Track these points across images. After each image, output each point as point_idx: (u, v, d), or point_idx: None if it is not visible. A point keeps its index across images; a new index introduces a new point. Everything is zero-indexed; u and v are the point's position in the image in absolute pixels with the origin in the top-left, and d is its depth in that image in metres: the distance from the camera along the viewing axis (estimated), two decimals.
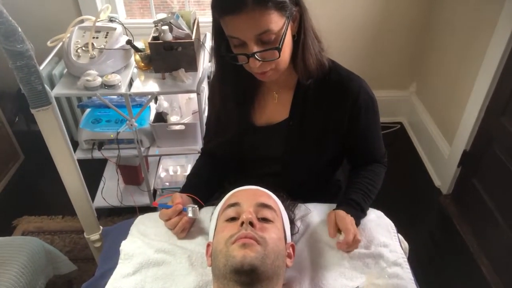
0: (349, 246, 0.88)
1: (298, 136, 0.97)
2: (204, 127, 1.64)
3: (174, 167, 2.05)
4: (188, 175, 1.11)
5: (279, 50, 0.81)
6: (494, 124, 1.68)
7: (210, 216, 0.92)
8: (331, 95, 0.94)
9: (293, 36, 0.87)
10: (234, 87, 0.95)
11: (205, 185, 1.06)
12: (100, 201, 1.87)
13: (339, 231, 0.91)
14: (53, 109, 1.05)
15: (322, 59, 0.92)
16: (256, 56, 0.81)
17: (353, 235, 0.86)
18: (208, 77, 1.99)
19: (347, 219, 0.89)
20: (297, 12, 0.84)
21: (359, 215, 0.95)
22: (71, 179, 1.19)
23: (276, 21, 0.79)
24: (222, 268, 0.72)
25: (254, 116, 1.01)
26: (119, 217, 1.93)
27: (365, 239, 0.92)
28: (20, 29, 0.84)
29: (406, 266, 0.88)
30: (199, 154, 1.19)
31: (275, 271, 0.73)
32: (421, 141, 2.37)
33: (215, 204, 0.93)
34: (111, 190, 1.91)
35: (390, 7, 2.17)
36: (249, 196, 0.84)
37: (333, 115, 0.95)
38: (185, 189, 1.03)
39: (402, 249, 0.94)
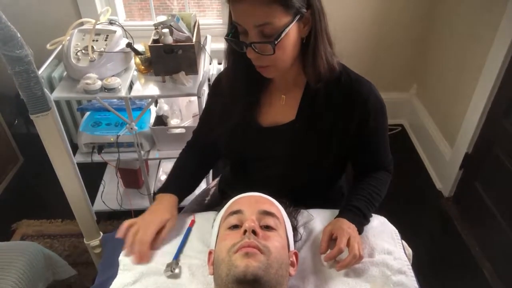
0: (347, 262, 0.83)
1: (303, 139, 0.96)
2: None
3: None
4: (172, 168, 1.11)
5: (273, 45, 0.80)
6: (496, 127, 1.67)
7: (212, 223, 0.91)
8: (340, 99, 0.93)
9: (302, 39, 0.86)
10: (243, 82, 0.95)
11: (189, 179, 1.10)
12: (100, 204, 1.86)
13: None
14: (53, 114, 1.04)
15: (333, 63, 0.90)
16: (253, 47, 0.81)
17: (343, 247, 0.83)
18: (209, 80, 1.98)
19: (345, 231, 0.86)
20: (309, 15, 0.83)
21: (361, 222, 0.94)
22: (71, 184, 1.18)
23: (279, 17, 0.78)
24: (224, 277, 0.71)
25: (260, 117, 0.99)
26: (118, 221, 1.91)
27: (368, 246, 0.91)
28: (19, 35, 0.83)
29: (411, 274, 0.86)
30: (185, 146, 1.18)
31: (278, 281, 0.72)
32: (422, 144, 2.36)
33: (217, 210, 0.92)
34: (111, 193, 1.90)
35: (390, 9, 2.16)
36: (251, 203, 0.83)
37: (341, 119, 0.94)
38: (168, 184, 1.04)
39: (406, 255, 0.92)
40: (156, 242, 0.92)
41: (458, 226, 1.89)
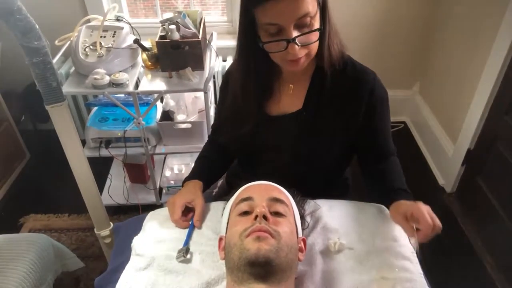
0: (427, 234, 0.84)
1: (310, 127, 0.98)
2: (210, 126, 1.66)
3: (179, 166, 2.06)
4: (196, 159, 1.16)
5: (321, 31, 0.83)
6: (499, 123, 1.69)
7: (221, 211, 0.94)
8: (346, 88, 0.96)
9: None
10: (256, 78, 0.96)
11: (213, 168, 1.14)
12: (106, 199, 1.87)
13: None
14: (66, 105, 1.07)
15: (342, 48, 0.94)
16: (296, 41, 0.82)
17: (431, 222, 0.83)
18: (214, 76, 2.01)
19: (417, 207, 0.87)
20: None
21: (412, 200, 0.94)
22: (83, 174, 1.20)
23: (312, 4, 0.81)
24: (236, 260, 0.73)
25: (268, 107, 1.01)
26: (125, 215, 1.94)
27: (375, 233, 0.93)
28: (37, 26, 0.86)
29: (415, 260, 0.89)
30: (207, 140, 1.22)
31: (288, 264, 0.74)
32: (425, 140, 2.38)
33: (226, 199, 0.95)
34: (118, 188, 1.92)
35: (393, 7, 2.18)
36: (261, 190, 0.85)
37: (348, 108, 0.96)
38: (194, 173, 1.09)
39: (411, 243, 0.94)
40: (197, 221, 0.98)
41: (460, 221, 1.91)
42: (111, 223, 1.40)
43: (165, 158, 2.13)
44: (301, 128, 0.99)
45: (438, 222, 0.84)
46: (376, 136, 1.02)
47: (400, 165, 1.06)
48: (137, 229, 0.99)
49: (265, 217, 0.77)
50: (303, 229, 0.92)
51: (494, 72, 1.66)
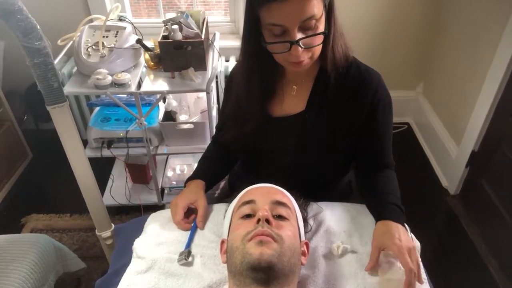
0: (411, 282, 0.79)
1: (312, 129, 0.97)
2: (213, 127, 1.65)
3: (181, 166, 2.06)
4: (199, 160, 1.16)
5: (326, 34, 0.83)
6: (503, 125, 1.68)
7: (223, 213, 0.93)
8: (349, 89, 0.95)
9: None
10: (260, 79, 0.95)
11: (216, 168, 1.13)
12: (108, 199, 1.87)
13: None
14: (67, 106, 1.06)
15: (347, 51, 0.93)
16: (300, 44, 0.81)
17: (413, 267, 0.78)
18: (216, 77, 2.00)
19: (398, 245, 0.82)
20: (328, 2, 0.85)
21: (402, 217, 0.91)
22: (84, 176, 1.20)
23: (318, 7, 0.80)
24: (238, 265, 0.72)
25: (271, 108, 1.00)
26: (127, 215, 1.93)
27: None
28: (38, 26, 0.85)
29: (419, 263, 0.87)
30: (211, 141, 1.22)
31: (291, 269, 0.73)
32: (429, 142, 2.37)
33: (228, 201, 0.94)
34: (119, 188, 1.91)
35: (397, 7, 2.17)
36: (264, 193, 0.84)
37: (350, 110, 0.95)
38: (196, 173, 1.09)
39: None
40: (199, 222, 0.98)
41: (464, 224, 1.89)
42: (112, 224, 1.40)
43: (167, 158, 2.13)
44: (303, 130, 0.98)
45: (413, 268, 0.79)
46: (375, 140, 1.00)
47: (396, 180, 1.02)
48: (138, 231, 0.99)
49: (267, 221, 0.76)
50: (305, 232, 0.91)
51: (499, 73, 1.64)
